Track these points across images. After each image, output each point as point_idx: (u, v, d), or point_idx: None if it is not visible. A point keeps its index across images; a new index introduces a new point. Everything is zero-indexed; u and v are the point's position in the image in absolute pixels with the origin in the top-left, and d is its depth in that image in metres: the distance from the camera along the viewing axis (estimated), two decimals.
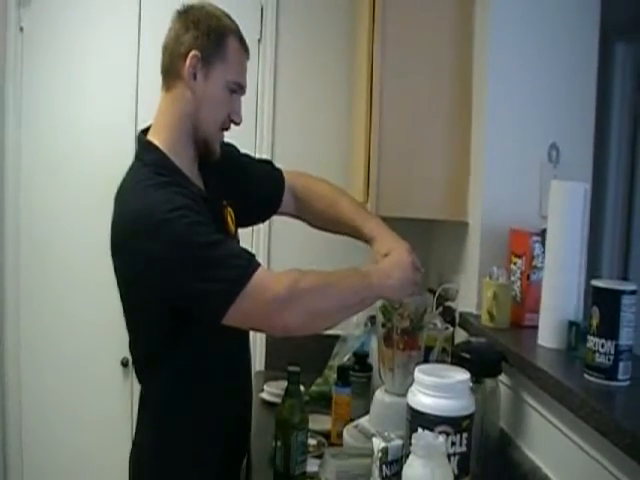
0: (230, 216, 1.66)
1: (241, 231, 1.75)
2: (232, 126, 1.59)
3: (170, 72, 1.51)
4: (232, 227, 1.66)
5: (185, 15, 1.52)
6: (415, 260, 1.57)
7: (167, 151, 1.49)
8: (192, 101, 1.50)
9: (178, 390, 1.52)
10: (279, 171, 1.85)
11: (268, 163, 1.90)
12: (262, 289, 1.33)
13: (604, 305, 1.30)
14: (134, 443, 1.60)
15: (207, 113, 1.51)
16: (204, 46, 1.48)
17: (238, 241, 1.70)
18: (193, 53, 1.47)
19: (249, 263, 1.36)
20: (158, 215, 1.33)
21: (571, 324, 1.52)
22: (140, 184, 1.43)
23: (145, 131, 1.55)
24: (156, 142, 1.50)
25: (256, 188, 1.77)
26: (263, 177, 1.81)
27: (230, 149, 1.75)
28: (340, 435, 1.77)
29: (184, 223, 1.34)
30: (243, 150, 1.84)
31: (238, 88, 1.54)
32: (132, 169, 1.50)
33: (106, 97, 2.73)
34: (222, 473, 1.61)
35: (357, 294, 1.46)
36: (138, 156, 1.53)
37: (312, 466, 1.61)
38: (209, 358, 1.53)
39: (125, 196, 1.45)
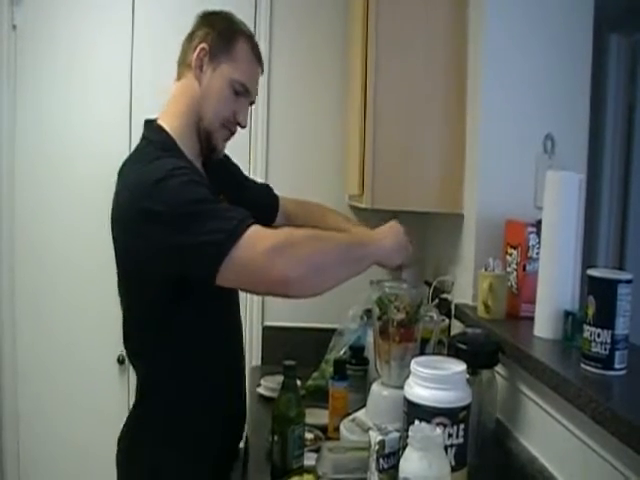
0: None
1: None
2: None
3: (182, 62, 1.61)
4: None
5: (204, 17, 1.62)
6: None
7: (174, 135, 1.53)
8: (198, 92, 1.56)
9: (171, 384, 1.52)
10: (275, 195, 1.97)
11: (266, 187, 2.00)
12: (258, 240, 1.31)
13: (600, 294, 1.30)
14: (123, 436, 1.60)
15: (210, 105, 1.56)
16: (214, 41, 1.56)
17: None
18: (202, 46, 1.55)
19: (245, 217, 1.35)
20: (157, 175, 1.35)
21: (567, 314, 1.52)
22: (144, 157, 1.47)
23: (152, 122, 1.59)
24: (165, 126, 1.55)
25: (251, 204, 1.77)
26: (259, 196, 1.91)
27: (234, 168, 1.88)
28: (337, 429, 1.76)
29: (181, 181, 1.36)
30: (239, 153, 1.92)
31: (243, 90, 1.58)
32: (138, 148, 1.54)
33: (100, 94, 2.72)
34: (217, 468, 1.60)
35: (352, 251, 1.46)
36: (144, 136, 1.56)
37: (309, 460, 1.60)
38: (203, 350, 1.53)
39: (128, 169, 1.48)
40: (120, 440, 1.60)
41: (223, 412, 1.61)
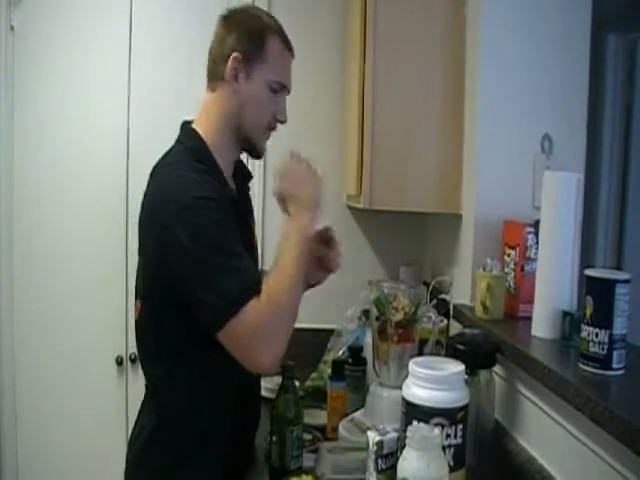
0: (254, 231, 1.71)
1: None
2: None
3: (214, 75, 1.55)
4: (255, 241, 1.68)
5: (228, 19, 1.56)
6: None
7: (208, 143, 1.53)
8: (236, 102, 1.53)
9: (185, 386, 1.51)
10: None
11: None
12: (250, 322, 1.33)
13: (598, 295, 1.30)
14: (134, 440, 1.58)
15: (251, 114, 1.53)
16: (245, 47, 1.51)
17: (256, 260, 1.69)
18: (234, 55, 1.51)
19: (247, 285, 1.35)
20: (185, 198, 1.36)
21: (565, 314, 1.52)
22: (178, 165, 1.47)
23: (188, 123, 1.59)
24: (200, 132, 1.54)
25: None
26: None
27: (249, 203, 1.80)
28: (335, 429, 1.76)
29: (209, 216, 1.36)
30: None
31: (280, 87, 1.54)
32: (172, 150, 1.54)
33: (97, 96, 2.71)
34: (229, 471, 1.59)
35: (301, 269, 1.42)
36: (180, 139, 1.56)
37: (308, 461, 1.60)
38: (218, 352, 1.49)
39: (161, 174, 1.48)
40: (132, 442, 1.58)
41: (237, 414, 1.59)
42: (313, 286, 1.60)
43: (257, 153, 1.60)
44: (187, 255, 1.35)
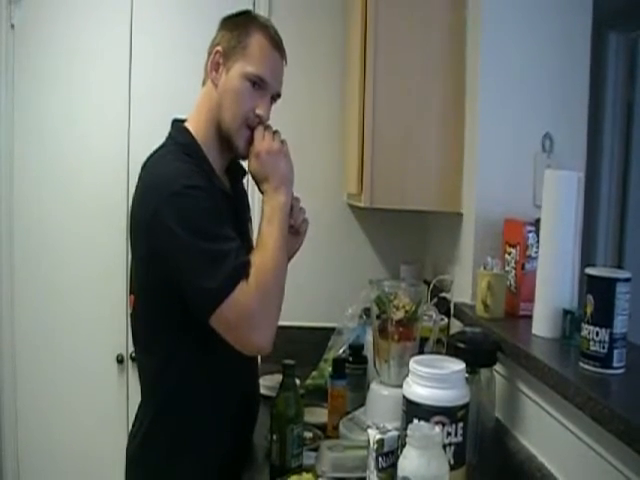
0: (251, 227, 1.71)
1: None
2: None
3: (205, 70, 1.59)
4: (252, 236, 1.67)
5: (222, 21, 1.61)
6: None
7: (199, 140, 1.55)
8: (217, 95, 1.55)
9: (182, 381, 1.50)
10: None
11: None
12: (239, 307, 1.36)
13: (598, 293, 1.30)
14: (133, 436, 1.59)
15: (227, 106, 1.54)
16: (227, 41, 1.55)
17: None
18: (217, 49, 1.55)
19: (235, 270, 1.37)
20: (176, 187, 1.38)
21: (566, 313, 1.52)
22: (168, 157, 1.50)
23: (179, 122, 1.61)
24: (190, 129, 1.56)
25: None
26: None
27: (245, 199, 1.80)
28: (336, 427, 1.77)
29: (197, 204, 1.39)
30: None
31: (259, 81, 1.53)
32: (163, 145, 1.56)
33: (98, 95, 2.71)
34: (226, 468, 1.59)
35: (284, 248, 1.48)
36: (171, 135, 1.59)
37: (308, 459, 1.60)
38: (216, 348, 1.47)
39: (152, 166, 1.51)
40: (131, 438, 1.58)
41: (234, 410, 1.59)
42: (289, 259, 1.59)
43: (236, 150, 1.58)
44: (176, 241, 1.37)
